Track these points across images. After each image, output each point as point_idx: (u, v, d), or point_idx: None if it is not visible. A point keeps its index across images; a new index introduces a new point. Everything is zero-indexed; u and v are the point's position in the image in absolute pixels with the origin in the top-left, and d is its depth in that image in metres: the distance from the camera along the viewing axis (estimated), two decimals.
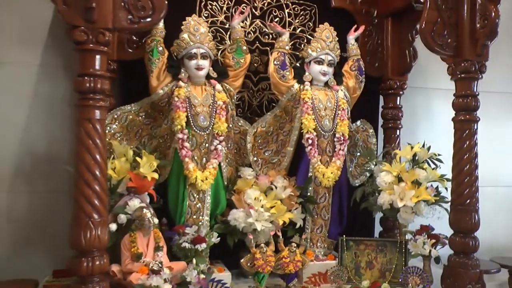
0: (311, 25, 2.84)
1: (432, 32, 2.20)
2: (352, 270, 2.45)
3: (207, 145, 2.41)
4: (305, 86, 2.58)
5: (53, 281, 2.34)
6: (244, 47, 2.53)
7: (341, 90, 2.65)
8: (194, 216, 2.40)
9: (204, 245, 2.21)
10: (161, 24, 2.36)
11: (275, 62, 2.57)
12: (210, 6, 2.68)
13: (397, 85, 2.87)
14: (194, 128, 2.38)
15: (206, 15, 2.67)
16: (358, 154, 2.79)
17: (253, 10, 2.74)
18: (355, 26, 2.74)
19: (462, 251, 2.26)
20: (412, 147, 2.54)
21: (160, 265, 1.95)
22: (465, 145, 2.25)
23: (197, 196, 2.40)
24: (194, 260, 2.10)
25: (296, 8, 2.82)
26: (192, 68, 2.39)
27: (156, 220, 2.16)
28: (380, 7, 2.85)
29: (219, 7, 2.70)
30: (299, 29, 2.83)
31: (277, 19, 2.78)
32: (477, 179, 2.25)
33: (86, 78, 1.78)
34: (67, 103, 2.64)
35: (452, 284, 2.25)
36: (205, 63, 2.40)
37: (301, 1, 2.83)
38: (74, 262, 1.79)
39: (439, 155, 2.53)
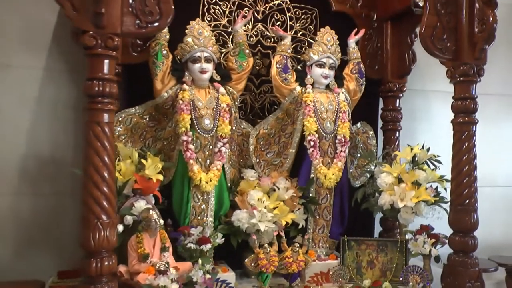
0: (312, 28, 2.88)
1: (432, 36, 2.24)
2: (353, 270, 2.49)
3: (211, 147, 2.44)
4: (307, 89, 2.62)
5: (58, 282, 2.37)
6: (247, 51, 2.57)
7: (342, 92, 2.70)
8: (199, 217, 2.43)
9: (209, 246, 2.24)
10: (165, 28, 2.39)
11: (277, 66, 2.60)
12: (213, 10, 2.72)
13: (397, 88, 2.92)
14: (198, 130, 2.41)
15: (209, 18, 2.70)
16: (359, 155, 2.83)
17: (255, 14, 2.78)
18: (356, 29, 2.77)
19: (461, 250, 2.30)
20: (412, 149, 2.59)
21: (166, 265, 1.98)
22: (464, 147, 2.29)
23: (201, 198, 2.43)
24: (199, 261, 2.13)
25: (297, 12, 2.86)
26: (196, 72, 2.42)
27: (161, 221, 2.19)
28: (379, 11, 2.90)
29: (221, 11, 2.74)
30: (300, 32, 2.87)
31: (279, 22, 2.82)
32: (476, 180, 2.29)
33: (95, 82, 1.80)
34: (71, 106, 2.67)
35: (452, 283, 2.29)
36: (209, 67, 2.43)
37: (302, 5, 2.87)
38: (83, 263, 1.82)
39: (438, 156, 2.58)
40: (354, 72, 2.73)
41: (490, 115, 3.20)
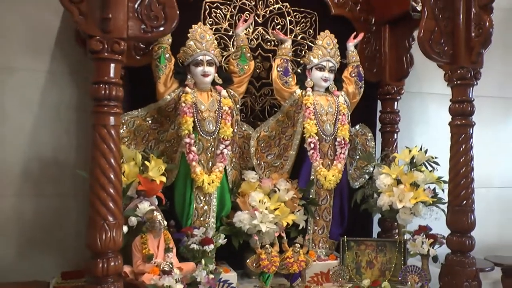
0: (311, 32, 2.92)
1: (430, 40, 2.29)
2: (353, 270, 2.53)
3: (213, 149, 2.47)
4: (307, 92, 2.66)
5: (62, 282, 2.39)
6: (248, 54, 2.60)
7: (342, 95, 2.74)
8: (201, 218, 2.46)
9: (212, 246, 2.27)
10: None
11: (278, 69, 2.64)
12: (214, 14, 2.75)
13: (395, 90, 2.96)
14: (201, 132, 2.44)
15: (210, 22, 2.73)
16: (358, 157, 2.87)
17: (256, 18, 2.81)
18: (354, 33, 2.82)
19: (459, 250, 2.35)
20: (410, 151, 2.63)
21: (171, 265, 2.01)
22: (461, 149, 2.34)
23: (204, 199, 2.47)
24: (203, 261, 2.16)
25: (297, 16, 2.90)
26: (199, 75, 2.46)
27: (165, 223, 2.22)
28: (378, 15, 2.94)
29: (223, 15, 2.77)
30: (300, 36, 2.91)
31: (279, 26, 2.85)
32: (473, 181, 2.34)
33: (101, 85, 1.83)
34: (74, 108, 2.71)
35: (449, 282, 2.33)
36: (211, 70, 2.47)
37: (302, 9, 2.90)
38: (89, 263, 1.84)
39: (436, 158, 2.62)
40: (353, 75, 2.77)
41: (485, 117, 3.25)
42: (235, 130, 2.58)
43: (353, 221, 2.81)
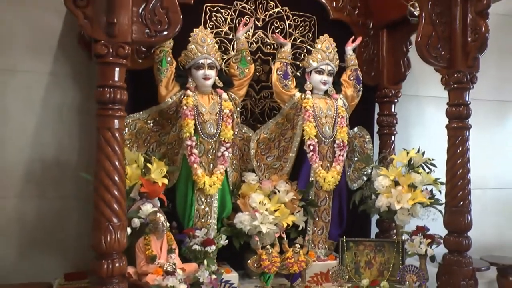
0: (310, 35, 2.96)
1: (427, 45, 2.33)
2: (352, 270, 2.57)
3: (214, 151, 2.51)
4: (307, 95, 2.69)
5: (64, 284, 2.42)
6: (249, 57, 2.63)
7: (340, 98, 2.78)
8: (203, 220, 2.50)
9: (213, 247, 2.31)
10: None
11: (278, 72, 2.68)
12: (215, 18, 2.78)
13: (392, 94, 3.01)
14: (202, 135, 2.48)
15: (211, 26, 2.76)
16: (356, 159, 2.91)
17: (256, 22, 2.84)
18: (353, 37, 2.86)
19: (456, 250, 2.38)
20: (407, 153, 2.68)
21: (174, 266, 2.04)
22: (458, 151, 2.37)
23: (205, 201, 2.50)
24: (205, 261, 2.19)
25: (296, 20, 2.94)
26: (200, 78, 2.49)
27: (168, 224, 2.25)
28: (375, 19, 2.99)
29: (223, 19, 2.81)
30: (299, 39, 2.95)
31: (278, 30, 2.89)
32: (469, 182, 2.38)
33: (106, 89, 1.85)
34: (76, 110, 2.73)
35: (447, 281, 2.37)
36: (212, 73, 2.50)
37: (301, 13, 2.94)
38: (94, 264, 1.87)
39: (433, 159, 2.67)
40: (352, 78, 2.81)
41: (480, 120, 3.31)
42: (236, 133, 2.61)
43: (351, 222, 2.85)
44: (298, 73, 2.84)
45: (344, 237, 2.60)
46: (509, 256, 3.35)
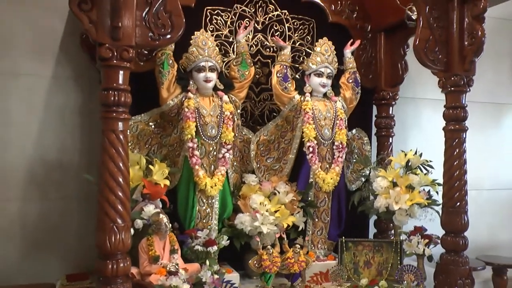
0: (309, 38, 3.00)
1: (425, 49, 2.36)
2: (351, 269, 2.61)
3: (215, 153, 2.54)
4: (306, 97, 2.73)
5: (67, 285, 2.44)
6: (249, 60, 2.66)
7: (339, 101, 2.82)
8: (204, 221, 2.52)
9: (215, 248, 2.34)
10: None
11: (278, 75, 2.71)
12: (215, 21, 2.81)
13: (390, 96, 3.05)
14: (203, 137, 2.50)
15: (211, 29, 2.79)
16: (354, 160, 2.94)
17: (255, 25, 2.87)
18: (351, 40, 2.90)
19: (453, 250, 2.42)
20: (405, 154, 2.72)
21: (176, 266, 2.07)
22: (455, 153, 2.41)
23: (206, 202, 2.53)
24: (207, 262, 2.22)
25: (295, 23, 2.97)
26: (201, 80, 2.52)
27: (170, 225, 2.27)
28: (373, 22, 3.03)
29: (223, 22, 2.84)
30: (298, 42, 2.98)
31: (278, 33, 2.92)
32: (466, 184, 2.42)
33: (110, 92, 1.87)
34: (78, 113, 2.75)
35: (444, 280, 2.41)
36: (213, 76, 2.53)
37: (300, 16, 2.98)
38: (98, 264, 1.89)
39: (430, 161, 2.72)
40: (350, 81, 2.85)
41: (476, 122, 3.35)
42: (236, 135, 2.64)
43: (350, 222, 2.88)
44: (297, 76, 2.88)
45: (343, 237, 2.64)
46: (503, 256, 3.41)
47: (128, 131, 2.47)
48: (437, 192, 2.65)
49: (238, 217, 2.52)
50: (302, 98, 2.74)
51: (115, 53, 1.88)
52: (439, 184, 2.59)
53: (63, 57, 2.71)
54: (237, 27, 2.80)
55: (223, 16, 2.84)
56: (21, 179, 2.64)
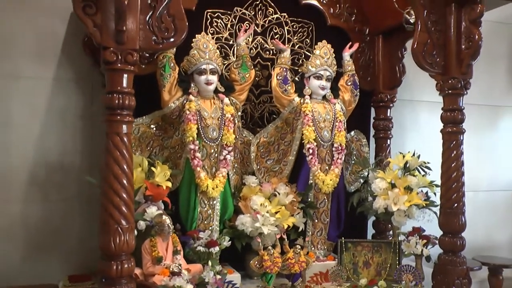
0: (308, 41, 3.03)
1: (423, 52, 2.40)
2: (350, 270, 2.64)
3: (216, 155, 2.56)
4: (306, 99, 2.76)
5: (69, 286, 2.45)
6: (249, 63, 2.69)
7: (338, 103, 2.85)
8: (205, 222, 2.55)
9: (217, 248, 2.37)
10: None
11: (278, 77, 2.74)
12: (216, 24, 2.84)
13: (388, 98, 3.09)
14: (205, 139, 2.53)
15: (211, 31, 2.81)
16: (353, 162, 2.98)
17: (255, 28, 2.90)
18: (350, 43, 2.93)
19: (450, 250, 2.46)
20: (403, 156, 2.75)
21: (179, 267, 2.10)
22: (452, 154, 2.45)
23: (208, 203, 2.55)
24: (209, 262, 2.25)
25: (294, 26, 3.00)
26: (202, 83, 2.54)
27: (172, 226, 2.30)
28: (372, 26, 3.07)
29: (223, 24, 2.86)
30: (298, 45, 3.01)
31: (277, 36, 2.95)
32: (463, 185, 2.46)
33: (114, 95, 1.89)
34: (79, 115, 2.77)
35: (442, 280, 2.45)
36: (214, 78, 2.56)
37: (299, 19, 3.00)
38: (102, 265, 1.90)
39: (428, 163, 2.75)
40: (349, 83, 2.89)
41: (472, 124, 3.39)
42: (237, 136, 2.66)
43: (349, 223, 2.91)
44: (296, 78, 2.91)
45: (343, 238, 2.68)
46: (499, 256, 3.46)
47: None
48: (435, 194, 2.68)
49: (239, 218, 2.54)
50: (301, 101, 2.77)
51: (120, 57, 1.89)
52: (436, 186, 2.62)
53: (65, 60, 2.72)
54: (237, 30, 2.82)
55: (223, 19, 2.86)
56: (22, 181, 2.65)
